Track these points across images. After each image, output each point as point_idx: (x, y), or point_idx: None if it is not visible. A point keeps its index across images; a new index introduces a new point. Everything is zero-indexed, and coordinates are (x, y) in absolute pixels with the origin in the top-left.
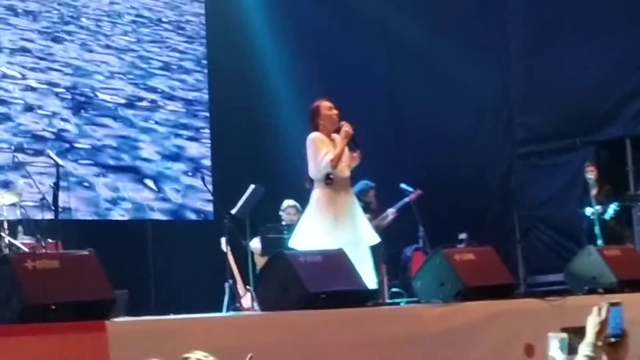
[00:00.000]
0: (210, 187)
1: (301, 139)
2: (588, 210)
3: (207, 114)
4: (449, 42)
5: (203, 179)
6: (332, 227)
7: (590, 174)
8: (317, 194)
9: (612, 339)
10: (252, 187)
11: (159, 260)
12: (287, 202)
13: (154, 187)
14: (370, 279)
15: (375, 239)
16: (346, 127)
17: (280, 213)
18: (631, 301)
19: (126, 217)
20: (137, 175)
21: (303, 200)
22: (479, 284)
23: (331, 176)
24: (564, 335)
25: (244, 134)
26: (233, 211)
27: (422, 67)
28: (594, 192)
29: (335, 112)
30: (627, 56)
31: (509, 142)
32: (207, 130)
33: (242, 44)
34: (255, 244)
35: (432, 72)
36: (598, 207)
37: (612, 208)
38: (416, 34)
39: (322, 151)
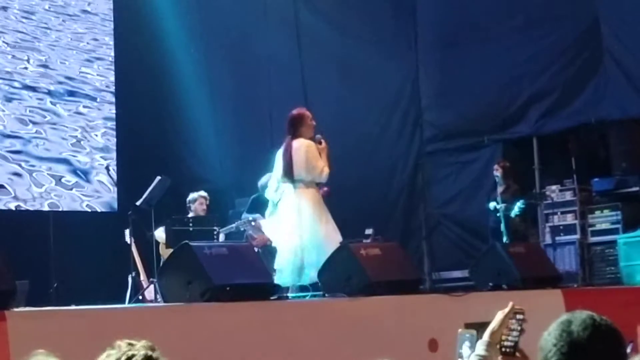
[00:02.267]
0: (115, 178)
1: (208, 132)
2: (492, 206)
3: (114, 105)
4: (360, 38)
5: (108, 170)
6: (324, 224)
7: (497, 172)
8: (307, 194)
9: (507, 349)
10: (158, 178)
11: (61, 251)
12: (198, 193)
13: (83, 178)
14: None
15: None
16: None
17: (189, 205)
18: (534, 298)
19: (61, 209)
20: (67, 166)
21: (209, 193)
22: (384, 278)
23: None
24: (474, 332)
25: (150, 126)
26: (138, 202)
27: (333, 62)
28: (500, 189)
29: (314, 122)
30: (536, 56)
31: (417, 139)
32: (113, 122)
33: (150, 34)
34: (160, 233)
35: (343, 67)
36: (503, 205)
37: (518, 206)
38: (327, 29)
39: (320, 164)
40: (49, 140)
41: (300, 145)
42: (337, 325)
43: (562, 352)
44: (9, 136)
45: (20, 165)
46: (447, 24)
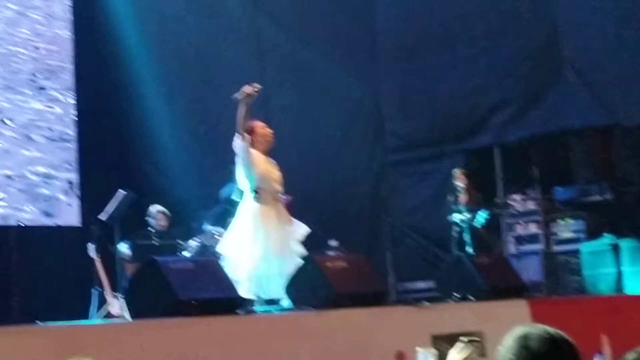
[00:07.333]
0: (77, 192)
1: (169, 144)
2: (456, 217)
3: (75, 118)
4: (321, 50)
5: (71, 185)
6: (254, 238)
7: (459, 181)
8: (244, 206)
9: None
10: (120, 192)
11: (23, 266)
12: (156, 208)
13: (45, 192)
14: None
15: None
16: (246, 88)
17: (147, 218)
18: (500, 308)
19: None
20: (29, 181)
21: (172, 206)
22: (350, 291)
23: (258, 191)
24: (434, 351)
25: (112, 138)
26: (103, 218)
27: (294, 75)
28: (464, 198)
29: (269, 130)
30: (496, 66)
31: (380, 150)
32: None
33: (110, 48)
34: (124, 248)
35: (304, 79)
36: (467, 215)
37: (482, 215)
38: (288, 42)
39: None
40: (9, 154)
41: None
42: (304, 338)
43: None
44: None
45: None
46: (407, 34)
